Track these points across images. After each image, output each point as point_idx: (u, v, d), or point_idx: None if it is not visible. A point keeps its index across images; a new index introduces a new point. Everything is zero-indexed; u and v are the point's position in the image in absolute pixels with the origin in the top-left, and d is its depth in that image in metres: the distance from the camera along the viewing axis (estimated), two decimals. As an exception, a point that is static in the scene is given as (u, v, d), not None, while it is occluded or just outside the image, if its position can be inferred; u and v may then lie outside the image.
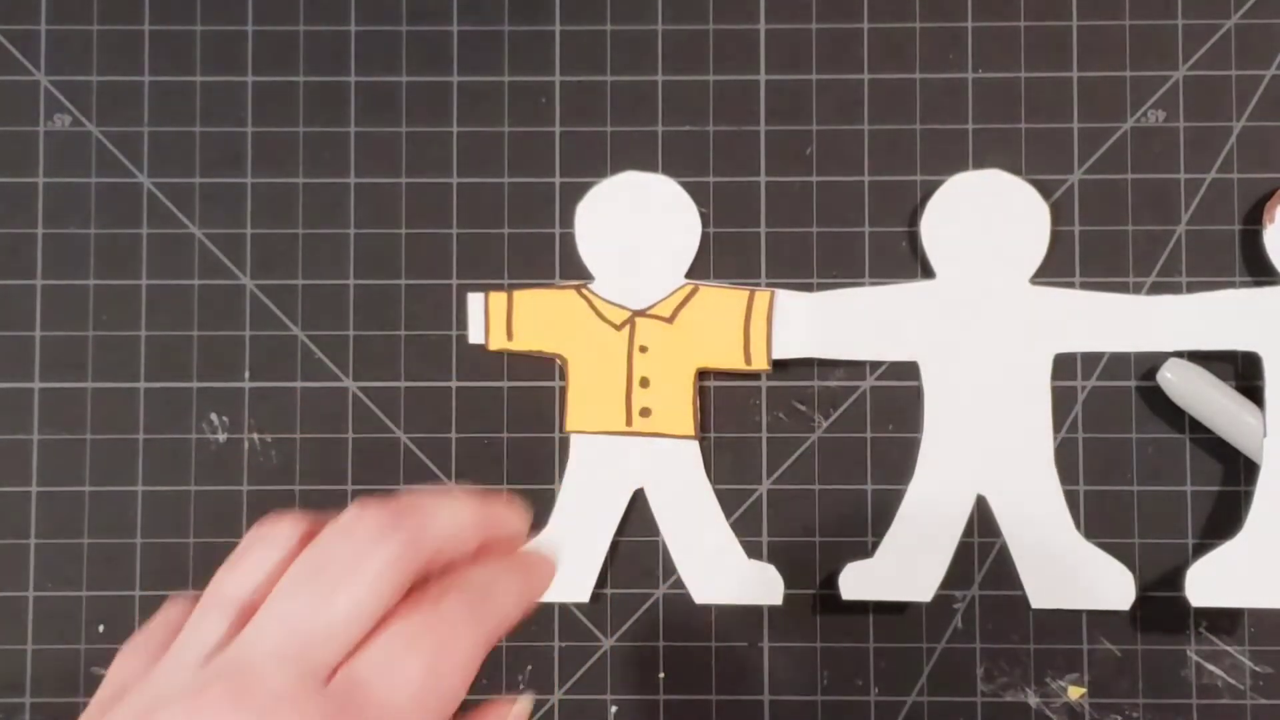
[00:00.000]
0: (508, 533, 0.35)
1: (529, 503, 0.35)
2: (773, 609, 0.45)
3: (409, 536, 0.31)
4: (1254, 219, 0.45)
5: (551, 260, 0.46)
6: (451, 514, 0.33)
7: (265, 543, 0.33)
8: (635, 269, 0.46)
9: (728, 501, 0.45)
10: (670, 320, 0.45)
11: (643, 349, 0.45)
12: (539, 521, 0.45)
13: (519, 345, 0.46)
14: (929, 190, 0.46)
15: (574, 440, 0.45)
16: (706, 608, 0.45)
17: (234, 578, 0.32)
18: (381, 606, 0.31)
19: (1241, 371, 0.45)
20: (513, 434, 0.46)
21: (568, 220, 0.46)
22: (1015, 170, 0.46)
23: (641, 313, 0.45)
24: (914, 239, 0.46)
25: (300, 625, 0.30)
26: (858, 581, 0.44)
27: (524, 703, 0.34)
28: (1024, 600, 0.44)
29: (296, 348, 0.46)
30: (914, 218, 0.46)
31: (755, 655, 0.45)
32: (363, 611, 0.30)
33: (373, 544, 0.31)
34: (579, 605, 0.45)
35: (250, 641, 0.30)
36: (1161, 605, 0.45)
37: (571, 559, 0.45)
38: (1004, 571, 0.45)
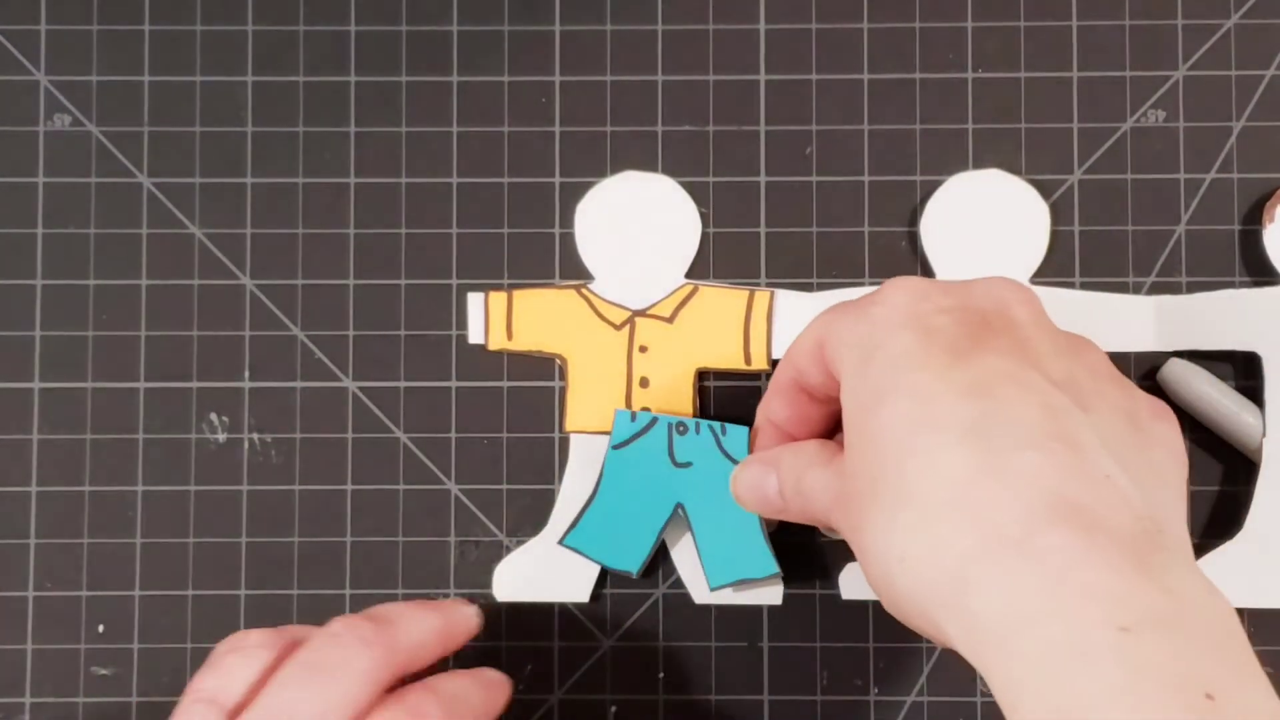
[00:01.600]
0: (465, 635, 0.40)
1: (481, 607, 0.41)
2: (772, 609, 0.45)
3: (388, 645, 0.36)
4: (1254, 219, 0.45)
5: (551, 260, 0.46)
6: (420, 626, 0.38)
7: (240, 653, 0.36)
8: (635, 269, 0.46)
9: (728, 501, 0.45)
10: (670, 320, 0.45)
11: (642, 349, 0.45)
12: (539, 521, 0.45)
13: (519, 345, 0.46)
14: (929, 190, 0.46)
15: (574, 440, 0.45)
16: (706, 608, 0.45)
17: (215, 680, 0.36)
18: (367, 704, 0.35)
19: (1241, 371, 0.45)
20: (513, 434, 0.46)
21: (568, 220, 0.46)
22: (1015, 170, 0.46)
23: (641, 313, 0.45)
24: (914, 239, 0.46)
25: (296, 713, 0.34)
26: (858, 581, 0.44)
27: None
28: (1024, 600, 0.44)
29: (296, 348, 0.46)
30: (914, 218, 0.46)
31: (755, 655, 0.45)
32: (351, 706, 0.35)
33: (359, 649, 0.35)
34: (579, 605, 0.45)
35: None
36: (1161, 605, 0.45)
37: (572, 558, 0.45)
38: (1004, 571, 0.45)
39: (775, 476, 0.39)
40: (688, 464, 0.44)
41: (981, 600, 0.29)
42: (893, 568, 0.32)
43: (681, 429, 0.44)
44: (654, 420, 0.44)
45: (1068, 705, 0.27)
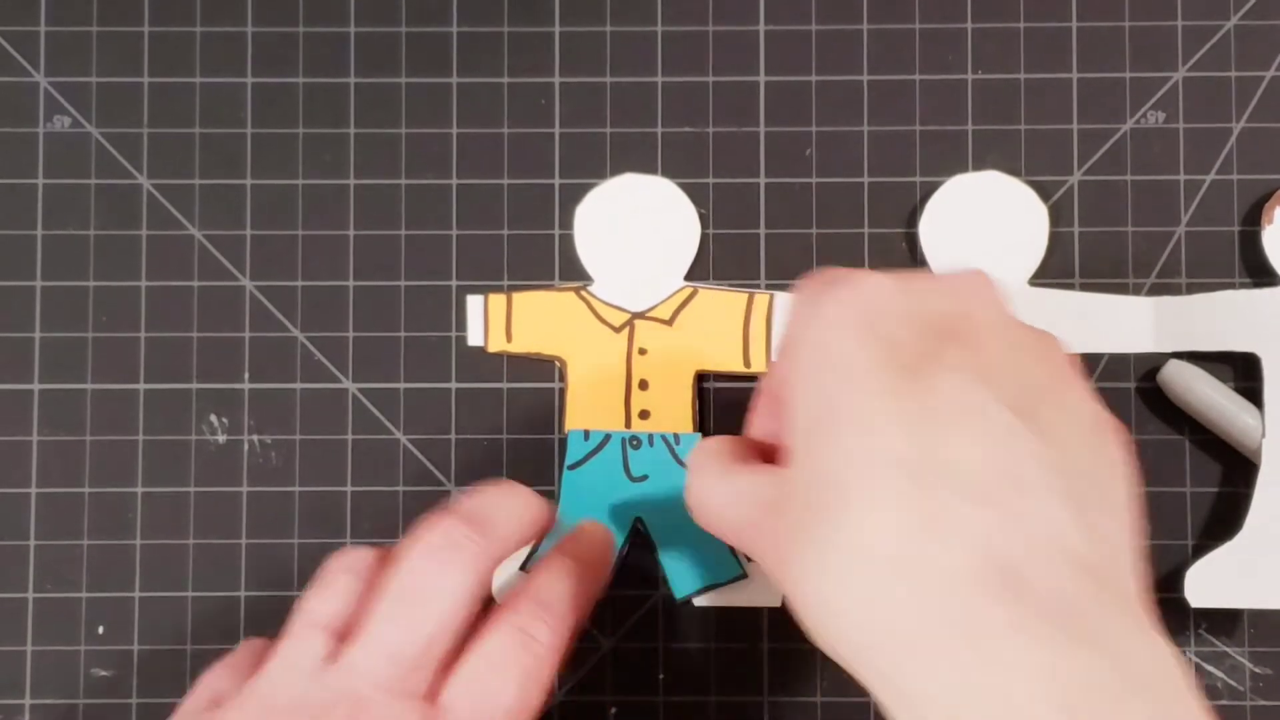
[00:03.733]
0: (549, 524, 0.40)
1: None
2: (772, 610, 0.45)
3: (487, 555, 0.36)
4: (1253, 220, 0.45)
5: (551, 262, 0.46)
6: (514, 521, 0.38)
7: (348, 572, 0.37)
8: (635, 271, 0.46)
9: (727, 502, 0.45)
10: (669, 323, 0.45)
11: (642, 351, 0.45)
12: (539, 522, 0.45)
13: (518, 347, 0.46)
14: (928, 191, 0.46)
15: (573, 441, 0.45)
16: (706, 608, 0.45)
17: (323, 603, 0.36)
18: (466, 620, 0.35)
19: (1240, 372, 0.45)
20: (512, 435, 0.46)
21: (567, 222, 0.46)
22: (1015, 171, 0.46)
23: (641, 315, 0.45)
24: (913, 240, 0.46)
25: (399, 651, 0.34)
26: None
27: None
28: (1023, 601, 0.44)
29: (296, 349, 0.46)
30: (913, 219, 0.46)
31: (755, 656, 0.45)
32: (452, 627, 0.35)
33: (457, 567, 0.35)
34: (578, 606, 0.45)
35: (358, 669, 0.34)
36: (1161, 606, 0.44)
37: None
38: (1003, 573, 0.45)
39: None
40: (644, 477, 0.44)
41: (914, 680, 0.28)
42: (820, 613, 0.30)
43: (635, 443, 0.44)
44: (607, 437, 0.44)
45: None
